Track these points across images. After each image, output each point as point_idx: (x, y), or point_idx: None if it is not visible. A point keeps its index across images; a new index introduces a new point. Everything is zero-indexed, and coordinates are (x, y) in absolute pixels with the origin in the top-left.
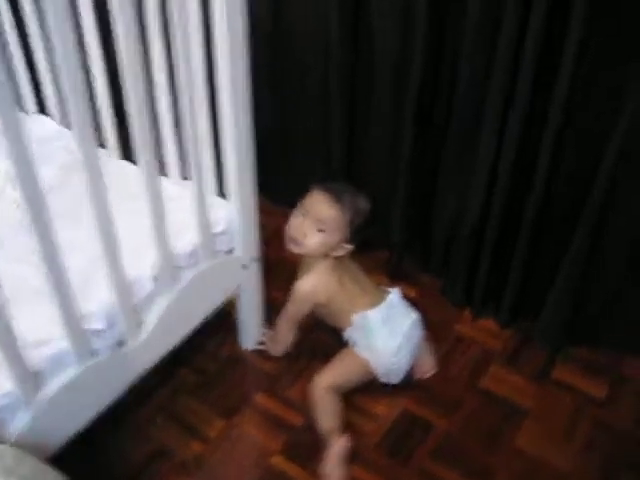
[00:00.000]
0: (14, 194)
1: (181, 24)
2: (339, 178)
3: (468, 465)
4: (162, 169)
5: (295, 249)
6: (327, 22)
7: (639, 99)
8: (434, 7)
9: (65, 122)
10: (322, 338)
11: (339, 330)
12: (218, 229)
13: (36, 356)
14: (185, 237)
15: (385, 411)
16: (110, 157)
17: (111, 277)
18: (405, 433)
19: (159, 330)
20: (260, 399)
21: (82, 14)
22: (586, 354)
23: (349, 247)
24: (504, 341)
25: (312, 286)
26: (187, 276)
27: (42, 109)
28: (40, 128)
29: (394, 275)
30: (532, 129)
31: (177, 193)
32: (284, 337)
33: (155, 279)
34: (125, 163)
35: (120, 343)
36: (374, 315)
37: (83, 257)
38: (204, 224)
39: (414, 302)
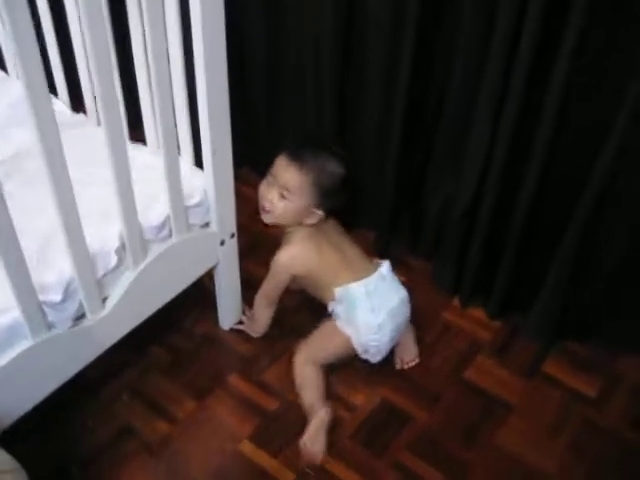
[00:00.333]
0: None
1: None
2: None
3: (444, 460)
4: (143, 138)
5: (266, 218)
6: (320, 18)
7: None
8: None
9: None
10: (303, 320)
11: (323, 303)
12: (192, 201)
13: None
14: (156, 208)
15: (363, 400)
16: (91, 123)
17: (70, 248)
18: (382, 424)
19: (124, 305)
20: (234, 381)
21: None
22: (578, 350)
23: (320, 213)
24: (494, 332)
25: (288, 257)
26: (157, 250)
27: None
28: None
29: (382, 257)
30: (528, 116)
31: (153, 163)
32: (261, 315)
33: (120, 252)
34: None
35: (79, 317)
36: (357, 289)
37: (49, 223)
38: (176, 194)
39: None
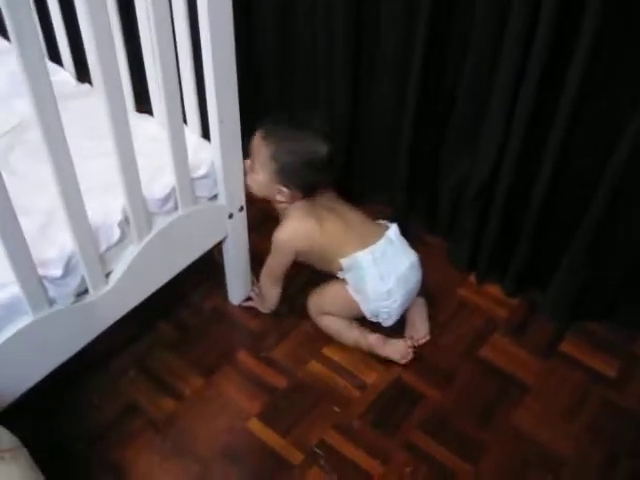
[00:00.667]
0: None
1: None
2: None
3: (458, 440)
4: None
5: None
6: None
7: None
8: None
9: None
10: None
11: (332, 276)
12: (199, 172)
13: None
14: (161, 180)
15: (375, 379)
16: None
17: (70, 221)
18: (394, 403)
19: (128, 280)
20: (243, 358)
21: None
22: (596, 329)
23: (285, 191)
24: (511, 310)
25: (288, 233)
26: (162, 223)
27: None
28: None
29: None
30: (547, 93)
31: (160, 135)
32: (269, 294)
33: (123, 225)
34: None
35: (82, 293)
36: (364, 257)
37: (53, 198)
38: (181, 165)
39: None
